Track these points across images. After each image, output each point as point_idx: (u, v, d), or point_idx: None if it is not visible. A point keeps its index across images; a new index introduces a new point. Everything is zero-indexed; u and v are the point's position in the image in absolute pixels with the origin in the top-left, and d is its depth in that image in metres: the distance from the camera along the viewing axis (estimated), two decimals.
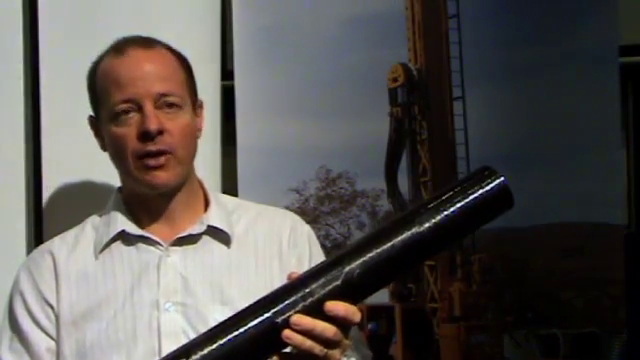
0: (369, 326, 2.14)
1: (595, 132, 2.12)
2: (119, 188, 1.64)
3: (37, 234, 2.01)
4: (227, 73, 2.14)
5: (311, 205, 2.14)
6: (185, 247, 1.57)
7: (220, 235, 1.59)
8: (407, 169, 2.16)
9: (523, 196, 2.08)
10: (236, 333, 1.27)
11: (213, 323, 1.35)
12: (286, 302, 1.28)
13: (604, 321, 2.13)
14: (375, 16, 2.13)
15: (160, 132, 1.51)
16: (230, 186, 2.09)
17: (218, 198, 1.65)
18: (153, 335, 1.52)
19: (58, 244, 1.62)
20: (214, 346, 1.26)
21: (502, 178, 1.32)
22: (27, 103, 2.02)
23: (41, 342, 1.56)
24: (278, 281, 1.50)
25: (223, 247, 1.59)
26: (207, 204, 1.62)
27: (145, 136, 1.51)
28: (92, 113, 1.62)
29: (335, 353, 1.31)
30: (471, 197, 1.31)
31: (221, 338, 1.27)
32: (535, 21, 2.12)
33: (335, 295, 1.28)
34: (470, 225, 1.34)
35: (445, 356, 2.14)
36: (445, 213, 1.30)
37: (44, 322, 1.56)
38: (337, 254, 1.33)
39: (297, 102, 2.14)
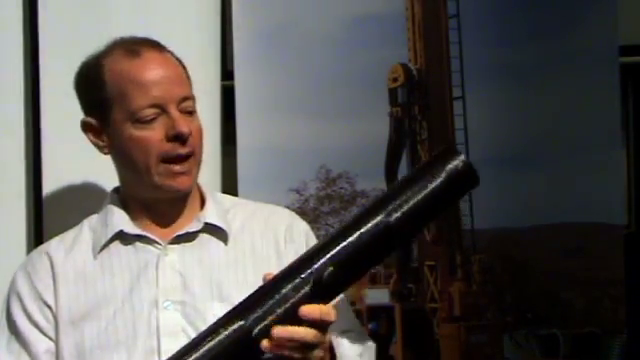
0: (369, 326, 2.14)
1: (595, 132, 2.12)
2: (115, 189, 1.64)
3: (37, 234, 2.01)
4: (227, 73, 2.14)
5: (311, 205, 2.14)
6: (183, 245, 1.58)
7: (217, 232, 1.59)
8: (407, 169, 2.16)
9: (523, 196, 2.11)
10: (212, 344, 1.27)
11: (212, 320, 1.36)
12: (262, 310, 1.28)
13: (604, 321, 2.13)
14: (375, 16, 2.13)
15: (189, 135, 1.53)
16: (230, 186, 2.09)
17: (214, 196, 1.65)
18: (152, 334, 1.52)
19: (55, 245, 1.62)
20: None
21: (463, 156, 1.31)
22: (27, 104, 2.02)
23: (40, 343, 1.56)
24: None
25: (220, 244, 1.59)
26: (203, 202, 1.62)
27: (178, 139, 1.52)
28: (88, 116, 1.60)
29: (317, 352, 1.32)
30: (436, 181, 1.29)
31: (197, 351, 1.27)
32: (535, 21, 2.12)
33: (308, 298, 1.28)
34: (436, 209, 1.33)
35: (445, 356, 2.14)
36: (412, 201, 1.29)
37: (42, 323, 1.56)
38: (307, 251, 1.33)
39: (297, 102, 2.14)
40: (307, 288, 1.28)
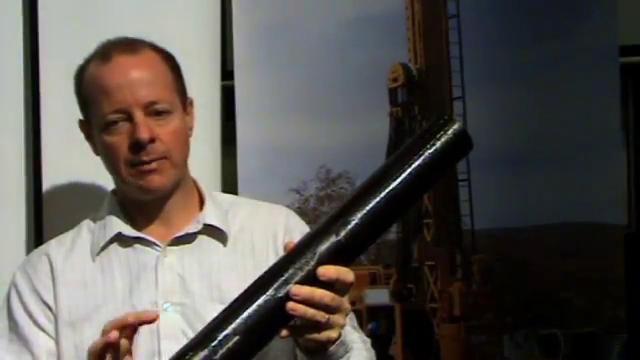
0: (369, 326, 2.14)
1: (595, 132, 2.12)
2: (113, 190, 1.64)
3: (37, 234, 2.01)
4: (227, 73, 2.14)
5: (311, 205, 2.14)
6: (182, 247, 1.57)
7: (217, 233, 1.58)
8: None
9: (523, 196, 2.11)
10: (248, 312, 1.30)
11: None
12: (285, 275, 1.31)
13: (604, 321, 2.13)
14: (375, 16, 2.13)
15: (152, 140, 1.51)
16: (230, 186, 2.09)
17: (213, 197, 1.64)
18: (153, 336, 1.51)
19: (55, 247, 1.61)
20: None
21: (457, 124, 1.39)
22: (27, 103, 2.02)
23: (42, 343, 1.55)
24: None
25: (220, 245, 1.58)
26: (202, 203, 1.62)
27: (137, 146, 1.50)
28: (82, 116, 1.61)
29: (338, 318, 1.34)
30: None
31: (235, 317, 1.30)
32: (535, 21, 2.12)
33: (327, 259, 1.32)
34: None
35: (445, 356, 2.14)
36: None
37: (44, 323, 1.56)
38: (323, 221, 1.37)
39: (297, 102, 2.14)
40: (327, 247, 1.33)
